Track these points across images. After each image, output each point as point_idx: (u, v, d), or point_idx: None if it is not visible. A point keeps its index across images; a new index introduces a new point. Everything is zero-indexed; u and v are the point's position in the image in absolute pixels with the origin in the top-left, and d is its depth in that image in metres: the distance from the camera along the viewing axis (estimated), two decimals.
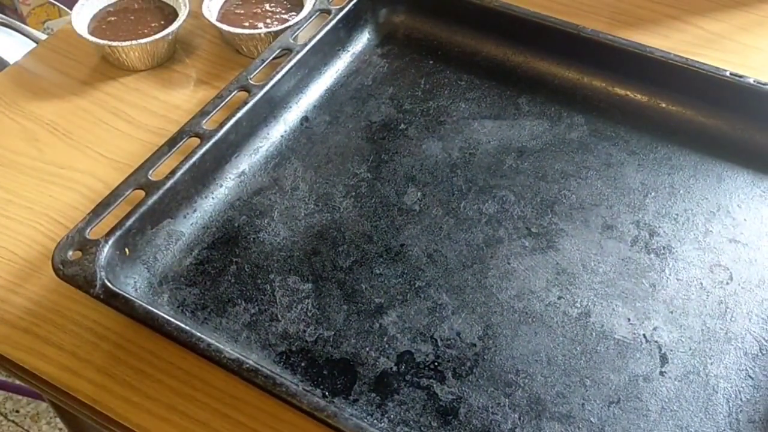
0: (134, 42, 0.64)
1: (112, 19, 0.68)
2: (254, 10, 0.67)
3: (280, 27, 0.65)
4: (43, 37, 0.84)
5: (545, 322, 0.49)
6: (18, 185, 0.58)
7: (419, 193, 0.56)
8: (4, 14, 0.90)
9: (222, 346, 0.44)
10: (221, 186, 0.56)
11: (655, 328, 0.49)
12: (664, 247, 0.53)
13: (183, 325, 0.45)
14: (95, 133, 0.62)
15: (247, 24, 0.66)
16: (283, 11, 0.67)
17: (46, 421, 1.24)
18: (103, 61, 0.68)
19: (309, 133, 0.61)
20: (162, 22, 0.68)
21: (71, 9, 0.68)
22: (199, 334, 0.44)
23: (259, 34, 0.64)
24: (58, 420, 1.23)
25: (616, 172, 0.58)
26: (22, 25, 0.86)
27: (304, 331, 0.49)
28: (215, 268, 0.52)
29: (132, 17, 0.67)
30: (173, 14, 0.68)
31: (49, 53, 0.69)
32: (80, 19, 0.67)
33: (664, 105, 0.62)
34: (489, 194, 0.56)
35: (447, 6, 0.67)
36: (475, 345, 0.48)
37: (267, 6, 0.68)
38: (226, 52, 0.69)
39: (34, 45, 0.80)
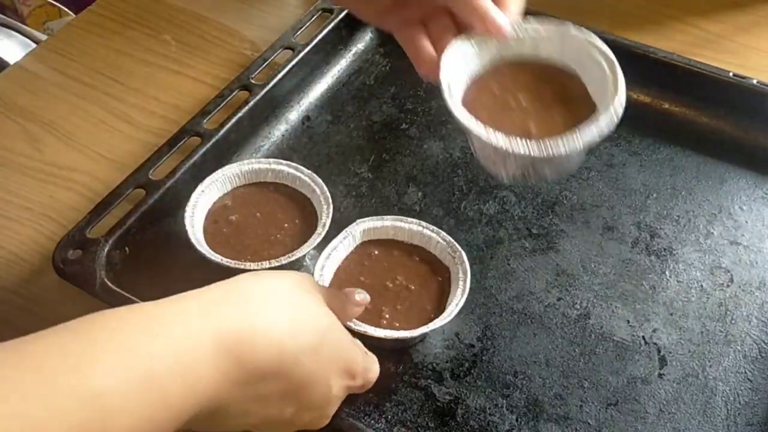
0: None
1: None
2: None
3: None
4: (43, 37, 0.84)
5: (544, 323, 0.49)
6: (18, 185, 0.58)
7: (420, 193, 0.56)
8: (4, 15, 0.90)
9: None
10: None
11: (654, 330, 0.48)
12: (664, 249, 0.53)
13: None
14: (95, 134, 0.62)
15: None
16: None
17: None
18: (102, 62, 0.68)
19: (310, 133, 0.61)
20: None
21: (71, 9, 0.68)
22: None
23: None
24: None
25: (618, 173, 0.58)
26: (22, 26, 0.86)
27: None
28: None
29: None
30: None
31: (49, 54, 0.69)
32: None
33: (666, 106, 0.61)
34: (490, 194, 0.56)
35: None
36: (473, 346, 0.48)
37: None
38: (226, 51, 0.69)
39: (34, 45, 0.80)
